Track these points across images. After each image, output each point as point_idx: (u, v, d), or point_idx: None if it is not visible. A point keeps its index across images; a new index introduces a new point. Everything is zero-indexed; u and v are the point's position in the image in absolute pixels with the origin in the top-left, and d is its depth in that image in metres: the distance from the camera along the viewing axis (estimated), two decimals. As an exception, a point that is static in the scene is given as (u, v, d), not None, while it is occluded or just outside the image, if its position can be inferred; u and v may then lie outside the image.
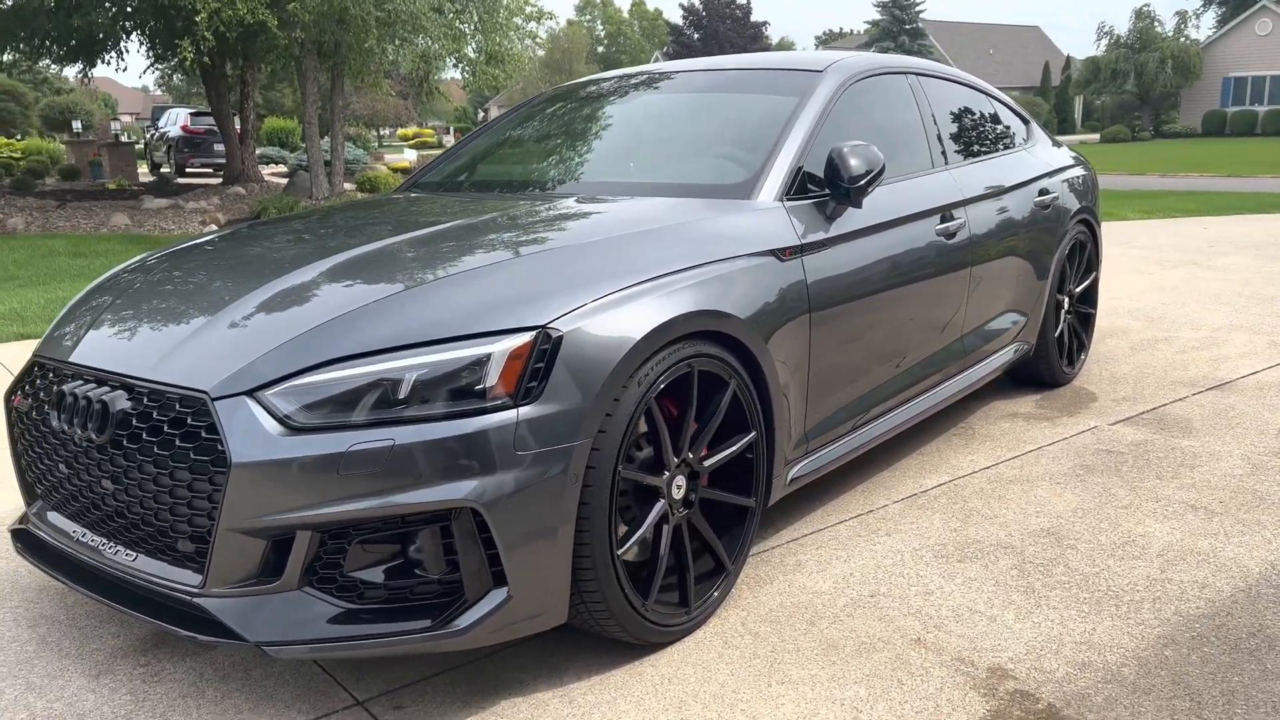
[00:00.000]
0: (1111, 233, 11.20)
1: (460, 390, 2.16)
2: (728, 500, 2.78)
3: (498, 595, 2.20)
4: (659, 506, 2.52)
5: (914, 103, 3.94)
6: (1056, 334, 4.71)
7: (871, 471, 3.78)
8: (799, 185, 3.15)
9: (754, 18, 56.41)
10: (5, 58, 16.29)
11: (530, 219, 2.96)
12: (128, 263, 3.11)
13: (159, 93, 50.74)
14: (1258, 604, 2.72)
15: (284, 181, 19.25)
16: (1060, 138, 5.83)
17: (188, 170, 25.78)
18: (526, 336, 2.22)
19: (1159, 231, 11.41)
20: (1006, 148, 4.54)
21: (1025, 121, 4.92)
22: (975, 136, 4.34)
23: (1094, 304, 5.10)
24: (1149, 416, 4.38)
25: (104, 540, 2.42)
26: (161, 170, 26.43)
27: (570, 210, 3.09)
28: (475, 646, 2.23)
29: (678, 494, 2.60)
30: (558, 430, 2.21)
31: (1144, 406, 4.52)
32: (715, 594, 2.70)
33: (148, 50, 17.47)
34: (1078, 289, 4.93)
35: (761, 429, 2.81)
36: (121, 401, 2.31)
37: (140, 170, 25.24)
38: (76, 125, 23.85)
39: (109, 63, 18.20)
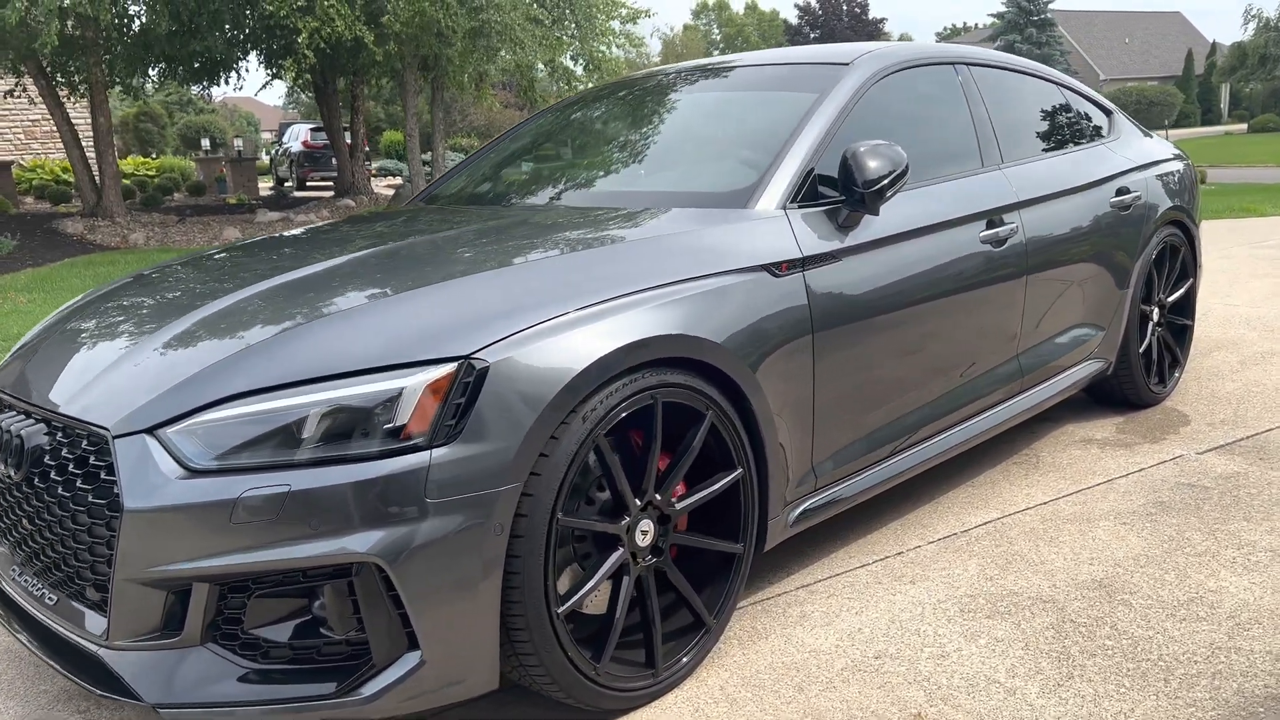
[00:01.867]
0: (1242, 230, 10.35)
1: (368, 430, 1.93)
2: (708, 546, 2.49)
3: (410, 659, 1.96)
4: (615, 556, 2.25)
5: (962, 96, 3.55)
6: (1142, 349, 4.22)
7: (910, 506, 3.41)
8: (809, 191, 2.83)
9: (872, 14, 55.20)
10: (133, 81, 16.98)
11: (486, 236, 2.72)
12: (105, 285, 3.01)
13: (293, 110, 52.87)
14: (1341, 684, 2.27)
15: (392, 193, 19.62)
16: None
17: (308, 184, 26.59)
18: (446, 369, 1.98)
19: (1297, 229, 10.46)
20: (1079, 143, 4.08)
21: (1108, 113, 4.44)
22: (1038, 132, 3.91)
23: (1190, 315, 4.57)
24: (1247, 444, 3.86)
25: (34, 581, 2.29)
26: (285, 184, 27.36)
27: (539, 225, 2.83)
28: (385, 718, 1.99)
29: (643, 540, 2.32)
30: (479, 474, 1.96)
31: (1244, 432, 4.00)
32: (685, 657, 2.40)
33: (263, 69, 18.02)
34: (1169, 298, 4.42)
35: (749, 466, 2.50)
36: (38, 436, 2.17)
37: (264, 185, 26.15)
38: (205, 143, 24.91)
39: (228, 82, 18.81)
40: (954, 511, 3.36)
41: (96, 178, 15.45)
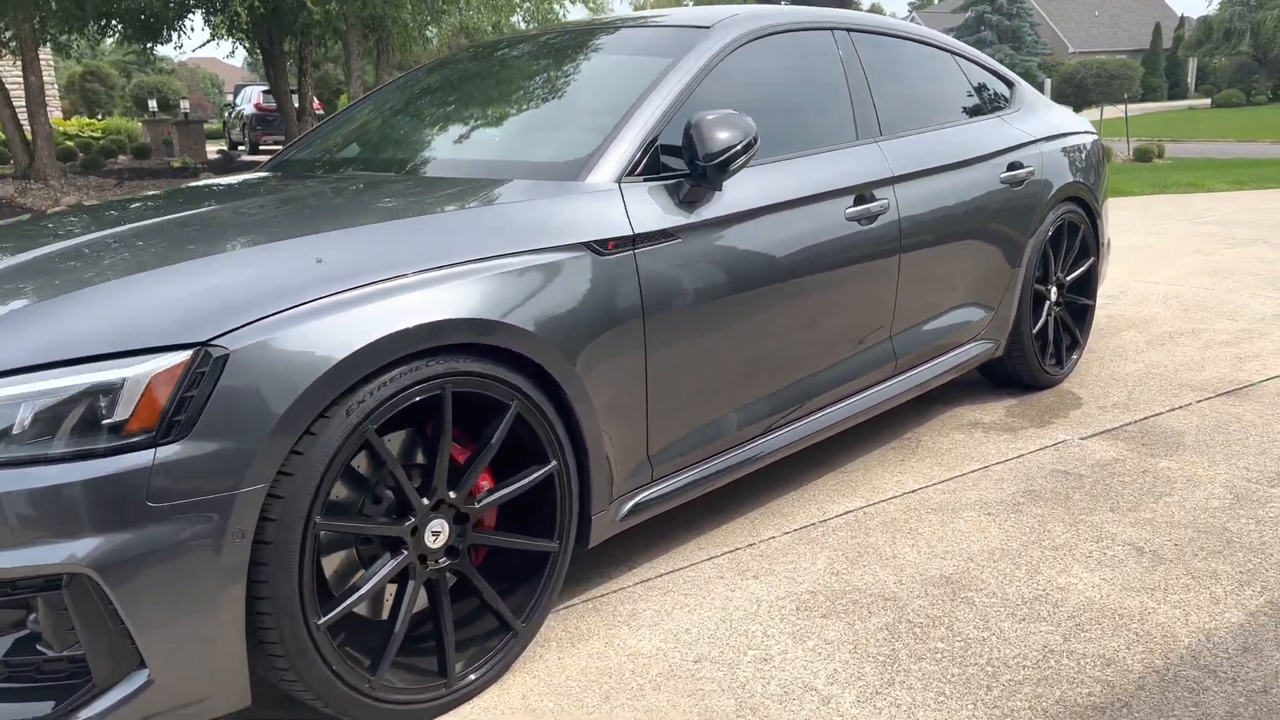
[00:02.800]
0: (1186, 206, 10.29)
1: (85, 425, 1.74)
2: (516, 545, 2.33)
3: (137, 678, 1.79)
4: (394, 561, 2.08)
5: (839, 64, 3.37)
6: (1036, 330, 4.09)
7: (774, 494, 3.26)
8: (653, 164, 2.65)
9: (843, -17, 54.65)
10: (66, 39, 16.46)
11: (288, 207, 2.52)
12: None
13: (254, 72, 51.91)
14: (1168, 694, 2.15)
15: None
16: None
17: (260, 148, 26.05)
18: (179, 356, 1.79)
19: (1244, 205, 10.39)
20: (972, 116, 3.92)
21: (1009, 84, 4.28)
22: (926, 103, 3.74)
23: (1091, 294, 4.44)
24: (1134, 429, 3.75)
25: None
26: (238, 147, 26.79)
27: (349, 194, 2.63)
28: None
29: (435, 542, 2.15)
30: (214, 475, 1.78)
31: (1134, 415, 3.89)
32: (487, 664, 2.24)
33: (206, 28, 17.54)
34: (1068, 277, 4.29)
35: (564, 459, 2.34)
36: None
37: (215, 148, 25.59)
38: (152, 105, 24.30)
39: (169, 42, 18.32)
40: (818, 500, 3.22)
41: (30, 139, 14.98)
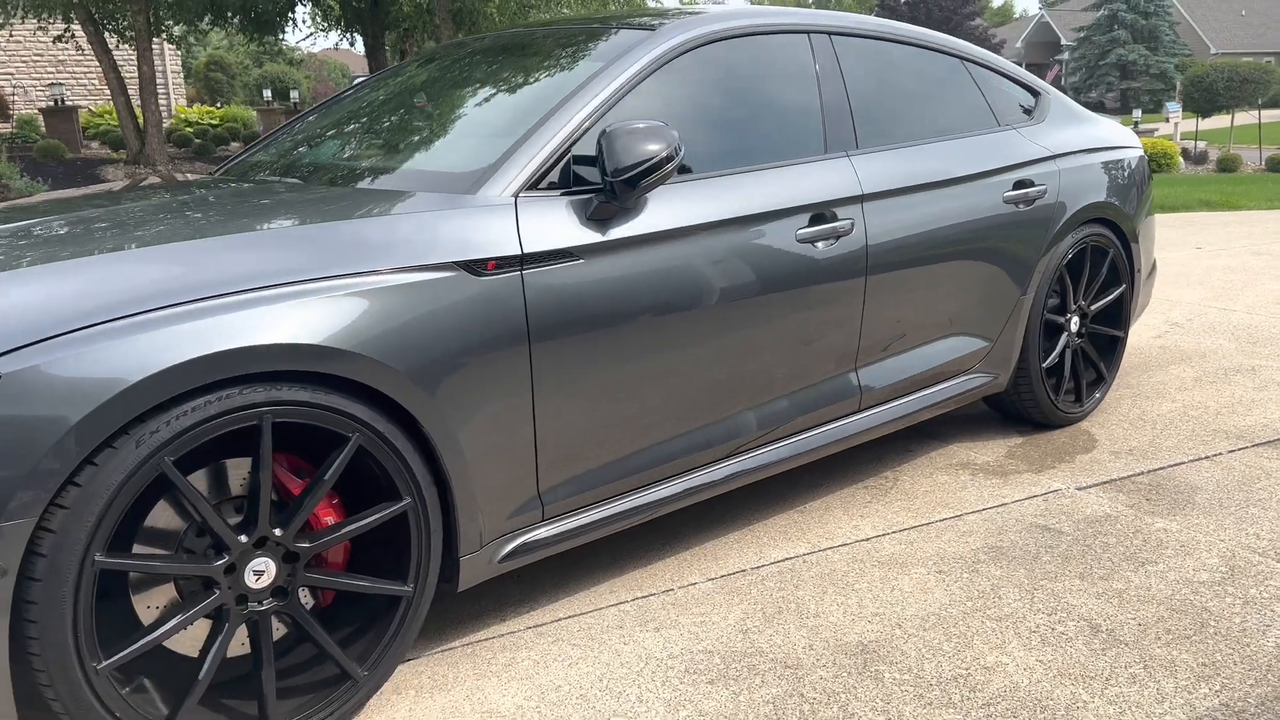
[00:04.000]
0: (1288, 225, 9.52)
1: None
2: (362, 588, 2.16)
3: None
4: (203, 602, 1.94)
5: (812, 71, 3.10)
6: (1047, 363, 3.73)
7: (717, 532, 3.03)
8: (567, 177, 2.46)
9: (971, -20, 52.94)
10: (176, 31, 17.09)
11: (161, 214, 2.39)
12: None
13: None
14: (1059, 811, 1.85)
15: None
16: None
17: (368, 137, 26.55)
18: (-57, 380, 1.68)
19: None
20: (978, 127, 3.58)
21: (1035, 94, 3.92)
22: (919, 113, 3.43)
23: (1122, 325, 4.04)
24: (1144, 480, 3.37)
25: None
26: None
27: (222, 202, 2.50)
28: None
29: (257, 582, 2.00)
30: (-30, 507, 1.66)
31: (1149, 464, 3.50)
32: (319, 716, 2.09)
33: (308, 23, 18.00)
34: (1093, 306, 3.91)
35: (418, 496, 2.16)
36: None
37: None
38: (267, 94, 25.12)
39: (283, 34, 18.85)
40: (761, 542, 2.97)
41: (141, 126, 15.59)
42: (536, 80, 2.85)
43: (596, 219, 2.43)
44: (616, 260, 2.45)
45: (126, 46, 16.69)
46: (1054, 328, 3.81)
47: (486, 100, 2.90)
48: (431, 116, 2.92)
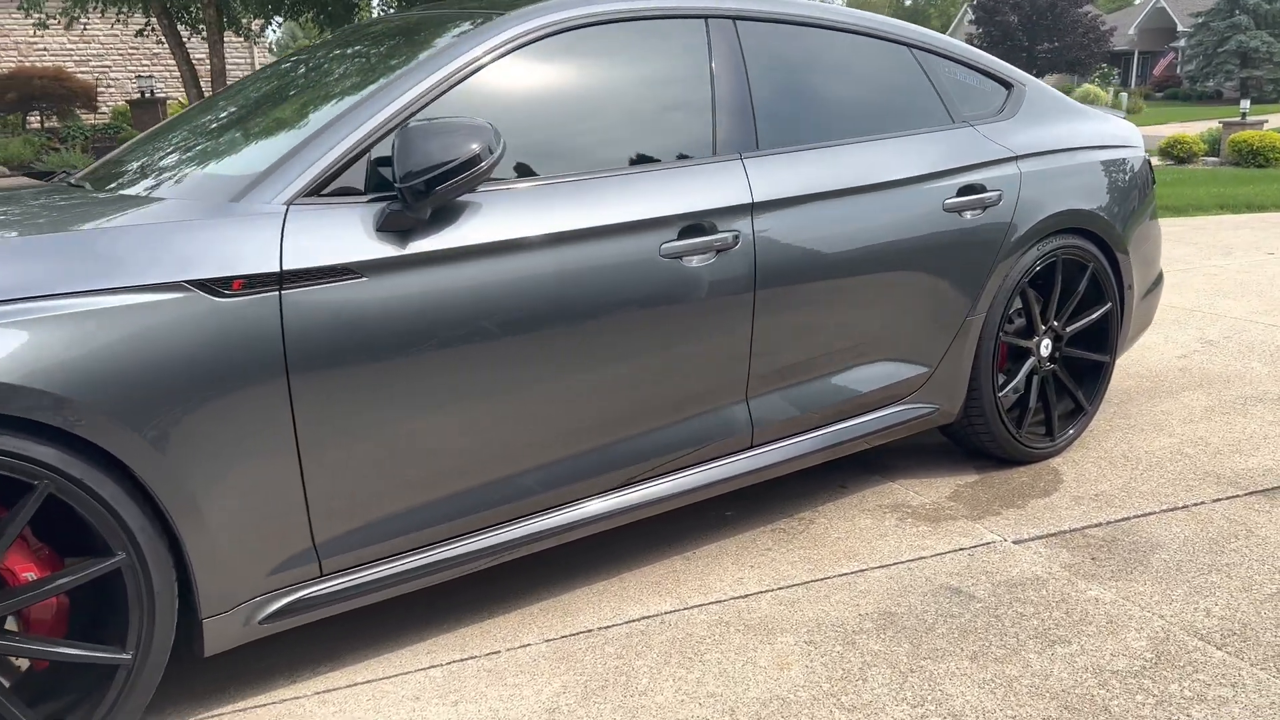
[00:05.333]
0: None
1: None
2: (61, 657, 1.90)
3: None
4: None
5: (705, 62, 2.73)
6: (1002, 392, 3.28)
7: (582, 581, 2.71)
8: (366, 182, 2.16)
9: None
10: (248, 24, 17.34)
11: None
12: None
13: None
14: None
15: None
16: None
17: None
18: None
19: None
20: (924, 124, 3.15)
21: (1007, 86, 3.46)
22: (846, 110, 3.02)
23: (1107, 349, 3.55)
24: (1098, 534, 2.91)
25: None
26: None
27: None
28: None
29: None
30: None
31: (1113, 514, 3.04)
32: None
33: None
34: (1069, 328, 3.43)
35: (135, 552, 1.89)
36: None
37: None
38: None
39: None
40: (627, 595, 2.62)
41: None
42: (367, 75, 2.54)
43: (391, 231, 2.13)
44: (414, 279, 2.14)
45: (199, 39, 17.01)
46: (1016, 352, 3.35)
47: (311, 97, 2.61)
48: (254, 119, 2.63)
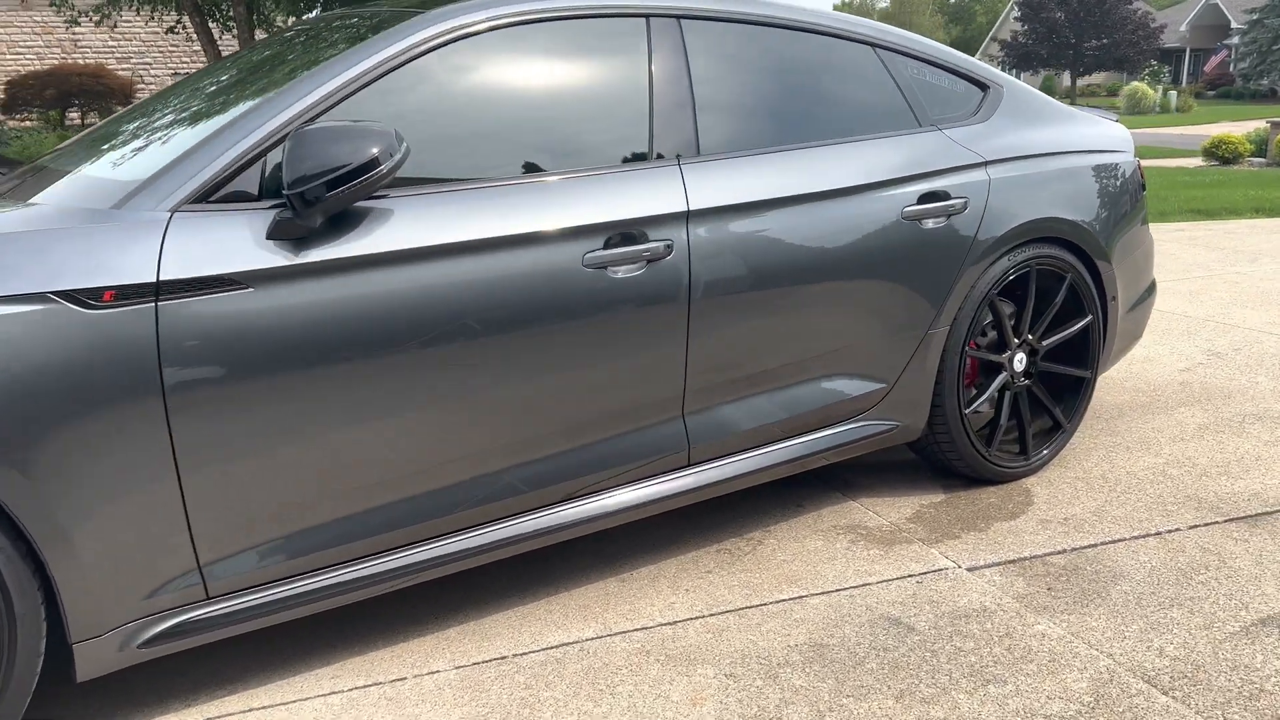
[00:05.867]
0: None
1: None
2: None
3: None
4: None
5: (643, 63, 2.62)
6: (969, 409, 3.13)
7: (500, 605, 2.61)
8: (265, 188, 2.08)
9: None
10: (278, 22, 17.45)
11: None
12: None
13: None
14: None
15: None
16: None
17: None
18: None
19: None
20: (887, 128, 3.01)
21: (982, 88, 3.30)
22: (799, 113, 2.89)
23: (1088, 364, 3.38)
24: (1060, 562, 2.76)
25: None
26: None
27: None
28: None
29: None
30: None
31: (1080, 540, 2.88)
32: None
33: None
34: (1045, 341, 3.27)
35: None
36: None
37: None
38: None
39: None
40: (551, 619, 2.52)
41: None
42: (279, 77, 2.45)
43: (281, 239, 2.04)
44: (305, 290, 2.05)
45: (230, 36, 17.15)
46: (986, 367, 3.20)
47: (223, 98, 2.53)
48: (170, 117, 2.56)
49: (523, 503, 2.41)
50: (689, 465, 2.66)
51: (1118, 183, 3.44)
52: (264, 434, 2.04)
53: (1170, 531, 2.91)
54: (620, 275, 2.40)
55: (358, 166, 2.00)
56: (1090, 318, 3.33)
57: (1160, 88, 38.08)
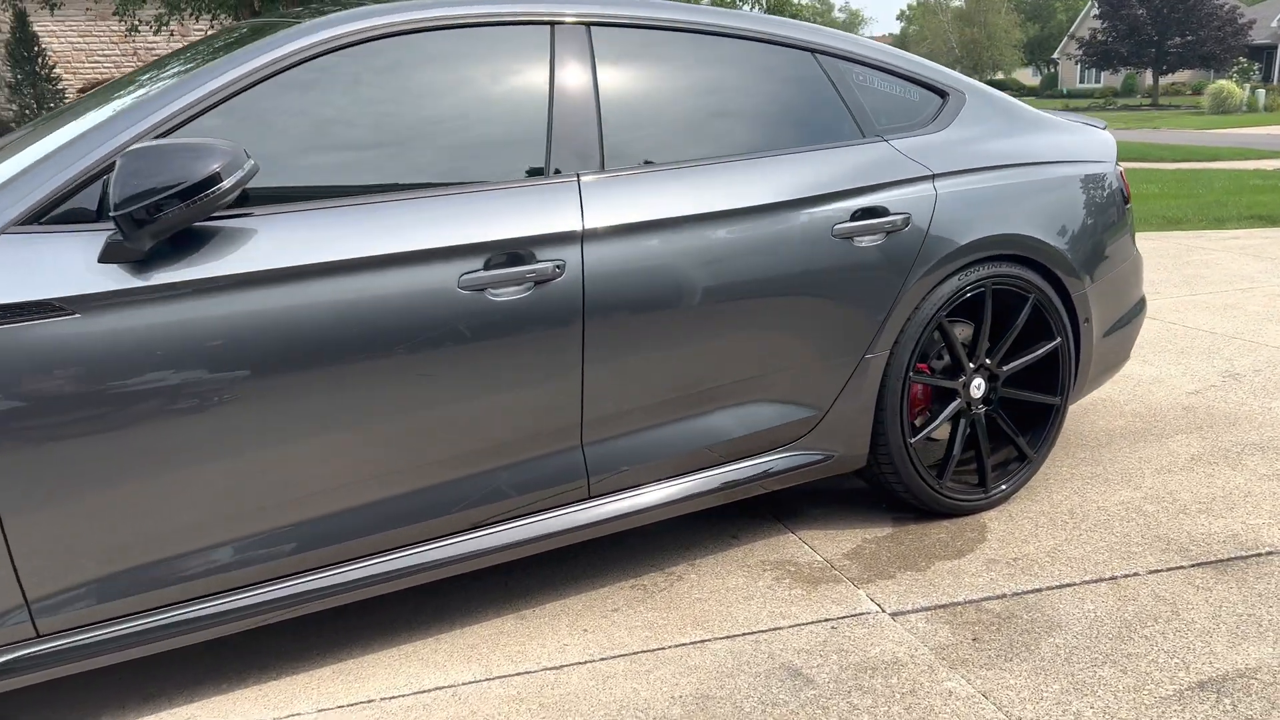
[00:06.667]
0: None
1: None
2: None
3: None
4: None
5: (544, 73, 2.48)
6: (918, 437, 2.93)
7: (386, 644, 2.49)
8: (103, 209, 2.00)
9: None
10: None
11: None
12: None
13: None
14: None
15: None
16: None
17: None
18: None
19: None
20: (823, 139, 2.82)
21: (941, 94, 3.09)
22: (725, 125, 2.72)
23: (1059, 390, 3.15)
24: (996, 608, 2.55)
25: None
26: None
27: None
28: None
29: None
30: None
31: (1025, 583, 2.67)
32: None
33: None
34: (1006, 367, 3.06)
35: None
36: None
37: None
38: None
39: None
40: (434, 660, 2.40)
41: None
42: (138, 90, 2.36)
43: (116, 263, 1.95)
44: (144, 315, 1.97)
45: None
46: (938, 393, 3.00)
47: (85, 113, 2.44)
48: (35, 133, 2.49)
49: (394, 538, 2.29)
50: (590, 498, 2.51)
51: (1093, 194, 3.20)
52: (90, 468, 1.95)
53: (1126, 576, 2.68)
54: (501, 298, 2.27)
55: (191, 185, 1.91)
56: (1059, 340, 3.10)
57: (1248, 86, 36.67)
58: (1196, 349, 4.80)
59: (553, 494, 2.46)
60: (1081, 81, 55.42)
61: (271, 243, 2.08)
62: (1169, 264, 7.05)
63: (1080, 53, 47.86)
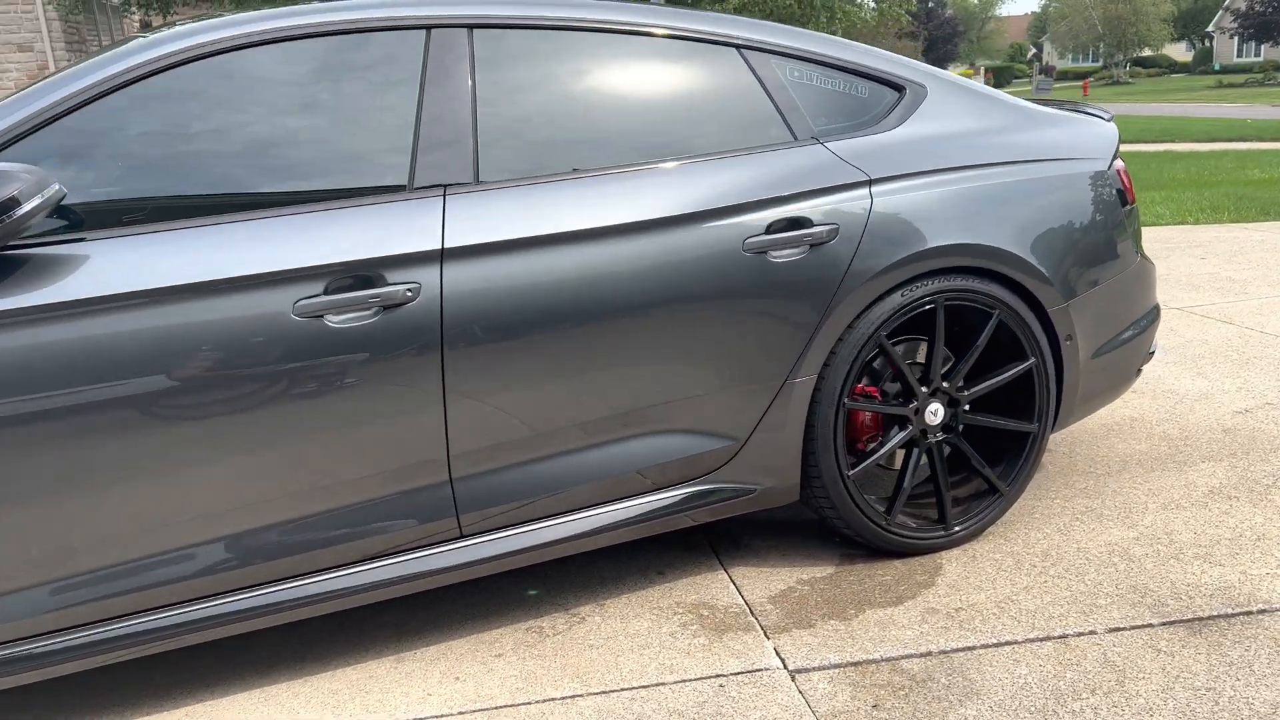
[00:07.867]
0: None
1: None
2: None
3: None
4: None
5: (414, 81, 2.33)
6: (858, 469, 2.65)
7: (259, 684, 2.38)
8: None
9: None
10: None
11: None
12: None
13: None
14: None
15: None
16: None
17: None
18: None
19: None
20: (745, 142, 2.57)
21: (897, 88, 2.79)
22: (627, 130, 2.51)
23: (1036, 414, 2.81)
24: (915, 668, 2.27)
25: None
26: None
27: None
28: None
29: None
30: None
31: (958, 640, 2.38)
32: None
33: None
34: (969, 391, 2.75)
35: None
36: None
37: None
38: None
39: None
40: (293, 706, 2.29)
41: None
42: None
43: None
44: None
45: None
46: (890, 421, 2.72)
47: None
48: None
49: (239, 579, 2.17)
50: (462, 537, 2.34)
51: (1079, 196, 2.84)
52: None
53: (1079, 635, 2.36)
54: (339, 324, 2.12)
55: (-22, 215, 1.82)
56: (1032, 361, 2.76)
57: None
58: (1264, 360, 4.30)
59: (419, 533, 2.30)
60: (1240, 55, 51.95)
61: (90, 270, 1.99)
62: (1273, 259, 6.40)
63: (1236, 24, 44.82)
